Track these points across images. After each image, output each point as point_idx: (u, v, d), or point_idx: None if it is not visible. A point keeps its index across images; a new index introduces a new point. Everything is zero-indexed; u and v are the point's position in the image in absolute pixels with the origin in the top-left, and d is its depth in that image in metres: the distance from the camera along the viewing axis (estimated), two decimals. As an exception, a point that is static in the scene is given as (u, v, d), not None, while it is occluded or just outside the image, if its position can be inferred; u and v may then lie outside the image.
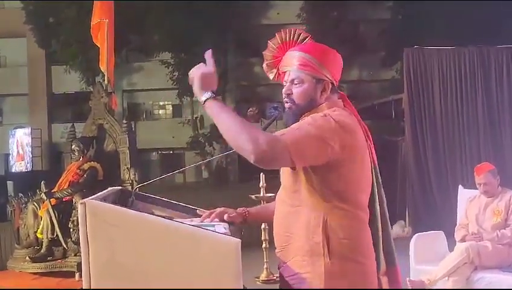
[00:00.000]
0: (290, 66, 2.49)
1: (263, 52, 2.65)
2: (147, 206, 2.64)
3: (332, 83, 2.49)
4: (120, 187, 2.85)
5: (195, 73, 2.34)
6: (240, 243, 2.11)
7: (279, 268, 2.51)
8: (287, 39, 2.60)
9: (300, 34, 2.59)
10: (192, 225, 2.22)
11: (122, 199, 2.61)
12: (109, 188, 2.63)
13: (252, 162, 2.17)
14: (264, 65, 2.66)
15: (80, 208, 2.12)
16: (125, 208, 2.25)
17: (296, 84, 2.48)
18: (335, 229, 2.34)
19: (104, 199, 2.29)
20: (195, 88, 2.33)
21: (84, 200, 2.14)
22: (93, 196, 2.27)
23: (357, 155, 2.37)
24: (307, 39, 2.58)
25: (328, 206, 2.34)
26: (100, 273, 2.12)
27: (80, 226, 2.13)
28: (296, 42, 2.59)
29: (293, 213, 2.39)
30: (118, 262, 2.11)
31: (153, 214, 2.36)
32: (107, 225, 2.10)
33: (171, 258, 2.11)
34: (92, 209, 2.12)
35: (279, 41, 2.61)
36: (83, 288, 2.13)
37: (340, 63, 2.53)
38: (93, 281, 2.11)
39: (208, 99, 2.30)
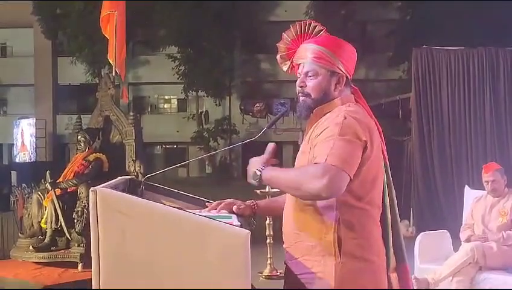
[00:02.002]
0: (305, 58, 2.48)
1: (277, 44, 2.63)
2: (156, 196, 2.63)
3: (346, 77, 2.47)
4: (129, 177, 2.83)
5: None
6: (249, 235, 2.10)
7: (285, 263, 2.49)
8: (302, 32, 2.57)
9: (316, 26, 2.57)
10: (203, 215, 2.21)
11: (132, 189, 2.60)
12: (119, 178, 2.61)
13: (325, 199, 2.24)
14: (278, 57, 2.64)
15: (91, 196, 2.10)
16: (136, 197, 2.24)
17: (310, 76, 2.46)
18: (347, 229, 2.32)
19: (114, 188, 2.27)
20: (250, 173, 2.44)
21: (95, 188, 2.13)
22: (103, 184, 2.25)
23: (373, 152, 2.34)
24: (322, 32, 2.56)
25: (342, 205, 2.32)
26: (109, 261, 2.11)
27: (90, 214, 2.11)
28: (310, 35, 2.56)
29: (305, 211, 2.36)
30: (127, 251, 2.10)
31: (162, 204, 2.34)
32: (117, 214, 2.09)
33: (180, 248, 2.10)
34: (103, 198, 2.11)
35: (294, 34, 2.58)
36: (91, 277, 2.11)
37: (354, 57, 2.51)
38: (102, 269, 2.10)
39: (261, 173, 2.37)
